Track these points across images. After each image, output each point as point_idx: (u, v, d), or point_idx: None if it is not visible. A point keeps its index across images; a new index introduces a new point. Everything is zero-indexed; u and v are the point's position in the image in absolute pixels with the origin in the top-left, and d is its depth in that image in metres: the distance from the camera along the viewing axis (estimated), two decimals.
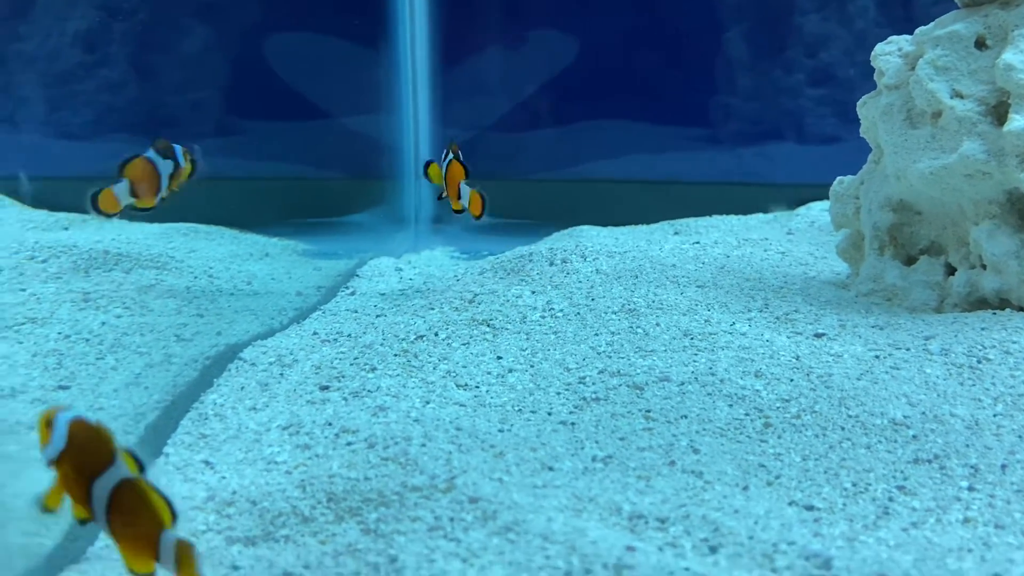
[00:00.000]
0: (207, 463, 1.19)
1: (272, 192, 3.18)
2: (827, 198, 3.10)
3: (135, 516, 0.85)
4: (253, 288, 1.99)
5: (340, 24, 3.16)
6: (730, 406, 1.33)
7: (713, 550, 0.96)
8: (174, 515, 0.85)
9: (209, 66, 3.17)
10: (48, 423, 0.86)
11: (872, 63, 1.77)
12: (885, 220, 1.71)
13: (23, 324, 1.59)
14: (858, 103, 1.82)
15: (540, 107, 3.40)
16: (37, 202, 2.79)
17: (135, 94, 3.16)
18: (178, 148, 1.70)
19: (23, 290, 1.73)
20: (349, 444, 1.22)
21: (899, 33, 3.60)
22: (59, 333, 1.54)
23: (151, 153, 1.68)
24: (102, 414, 1.08)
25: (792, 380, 1.40)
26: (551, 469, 1.16)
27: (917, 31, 1.72)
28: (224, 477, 1.15)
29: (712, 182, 3.24)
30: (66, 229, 2.21)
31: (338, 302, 2.00)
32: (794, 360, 1.47)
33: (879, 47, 1.77)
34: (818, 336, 1.56)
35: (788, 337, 1.56)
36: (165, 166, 1.67)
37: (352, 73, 3.19)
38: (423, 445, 1.21)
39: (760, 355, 1.48)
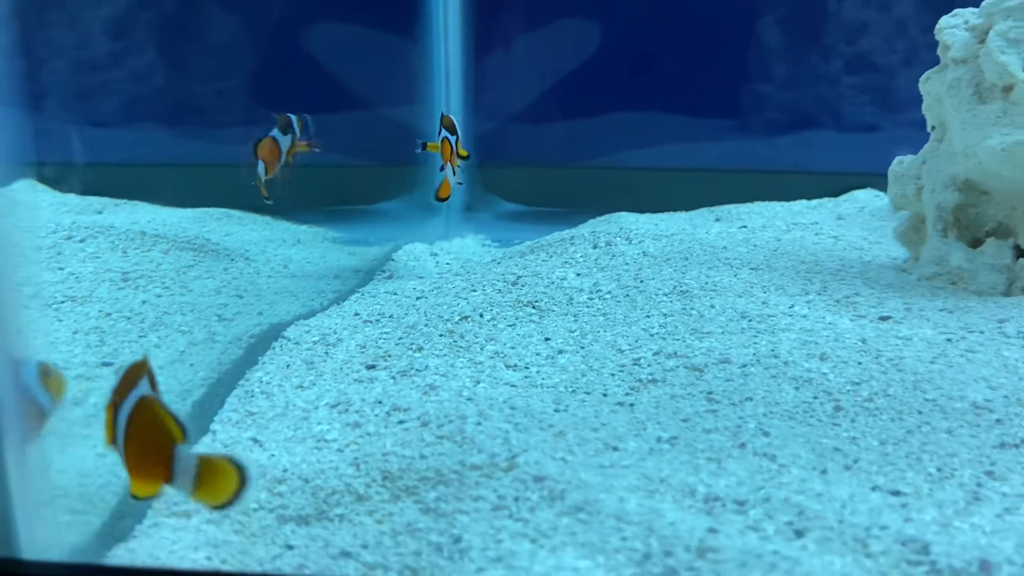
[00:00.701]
0: (255, 441, 1.15)
1: (301, 180, 3.14)
2: (869, 186, 3.06)
3: (144, 431, 0.82)
4: (290, 271, 1.95)
5: (371, 11, 3.12)
6: (796, 389, 1.27)
7: (799, 534, 0.90)
8: (183, 432, 0.83)
9: (239, 55, 3.13)
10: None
11: (936, 36, 1.70)
12: (950, 200, 1.63)
13: (63, 302, 1.55)
14: (921, 79, 1.75)
15: (572, 95, 3.34)
16: (67, 188, 2.77)
17: (163, 82, 3.14)
18: (293, 118, 1.84)
19: (61, 269, 1.69)
20: (401, 422, 1.17)
21: (937, 20, 3.51)
22: (100, 311, 1.50)
23: (275, 132, 1.80)
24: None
25: (860, 363, 1.33)
26: (615, 449, 1.10)
27: (985, 2, 1.65)
28: (274, 455, 1.11)
29: (748, 170, 3.17)
30: (99, 213, 2.18)
31: (376, 285, 1.96)
32: (860, 343, 1.40)
33: (943, 20, 1.70)
34: (883, 319, 1.49)
35: (851, 320, 1.50)
36: (284, 141, 1.79)
37: (383, 60, 3.14)
38: (479, 424, 1.16)
39: (824, 338, 1.42)
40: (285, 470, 1.06)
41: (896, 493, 1.00)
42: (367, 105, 3.14)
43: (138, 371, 0.85)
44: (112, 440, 0.84)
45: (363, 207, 3.09)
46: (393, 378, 1.33)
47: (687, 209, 2.87)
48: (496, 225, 3.08)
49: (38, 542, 0.85)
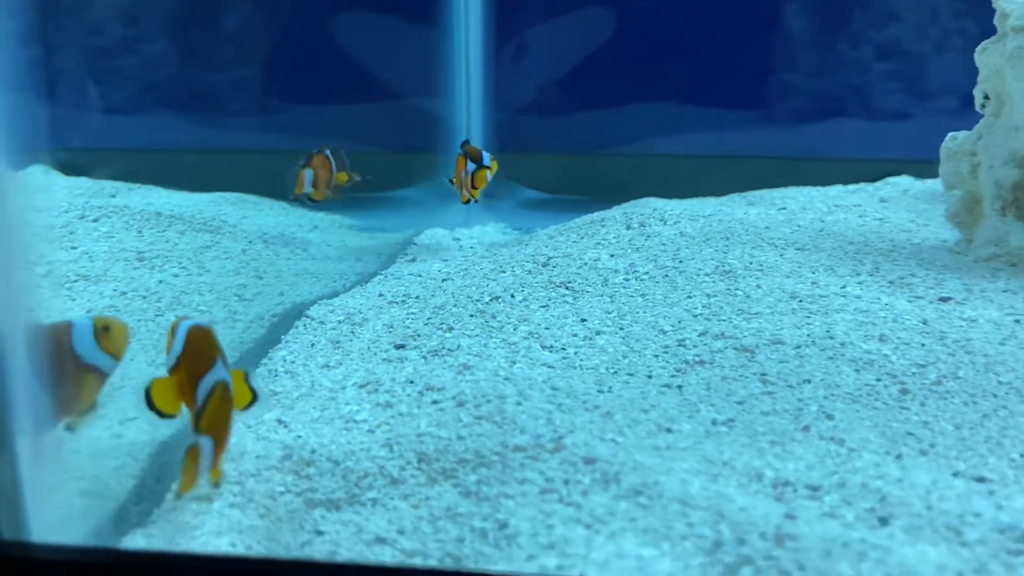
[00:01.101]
0: (280, 421, 1.07)
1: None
2: (905, 173, 2.97)
3: (219, 415, 0.86)
4: (310, 254, 1.87)
5: (393, 1, 3.04)
6: (857, 371, 1.18)
7: (884, 521, 0.82)
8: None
9: (256, 42, 3.06)
10: (172, 331, 0.89)
11: (993, 4, 1.61)
12: (1009, 177, 1.54)
13: (76, 281, 1.48)
14: (976, 50, 1.65)
15: (594, 81, 3.25)
16: (78, 172, 2.71)
17: (177, 70, 3.07)
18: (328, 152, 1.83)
19: (74, 248, 1.62)
20: (435, 402, 1.09)
21: (975, 8, 3.39)
22: (115, 290, 1.43)
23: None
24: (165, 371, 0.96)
25: (924, 345, 1.24)
26: (669, 431, 1.02)
27: None
28: (300, 436, 1.03)
29: (776, 157, 3.08)
30: (113, 196, 2.11)
31: (399, 267, 1.88)
32: (921, 324, 1.31)
33: None
34: (943, 300, 1.40)
35: (909, 301, 1.41)
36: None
37: (402, 46, 3.07)
38: (519, 404, 1.08)
39: (881, 319, 1.33)
40: (313, 451, 0.98)
41: (981, 479, 0.91)
42: (385, 91, 3.06)
43: (210, 349, 0.88)
44: (189, 407, 0.87)
45: (380, 194, 3.01)
46: (424, 358, 1.25)
47: (715, 195, 2.79)
48: (517, 213, 3.00)
49: (49, 525, 0.78)
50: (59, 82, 3.10)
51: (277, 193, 2.75)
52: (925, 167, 2.99)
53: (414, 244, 2.17)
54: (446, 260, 1.93)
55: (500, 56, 3.13)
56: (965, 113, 3.39)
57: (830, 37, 3.19)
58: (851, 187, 2.38)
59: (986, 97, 1.65)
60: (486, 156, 2.13)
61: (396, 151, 3.11)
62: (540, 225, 2.84)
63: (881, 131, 3.14)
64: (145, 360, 1.18)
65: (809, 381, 1.16)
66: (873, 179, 2.92)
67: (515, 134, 3.25)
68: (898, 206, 2.00)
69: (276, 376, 1.17)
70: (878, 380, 1.16)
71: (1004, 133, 1.57)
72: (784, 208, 2.00)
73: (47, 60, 3.12)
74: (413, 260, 1.97)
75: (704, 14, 3.16)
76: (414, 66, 3.08)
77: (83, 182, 2.11)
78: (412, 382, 1.15)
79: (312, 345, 1.28)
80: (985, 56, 1.61)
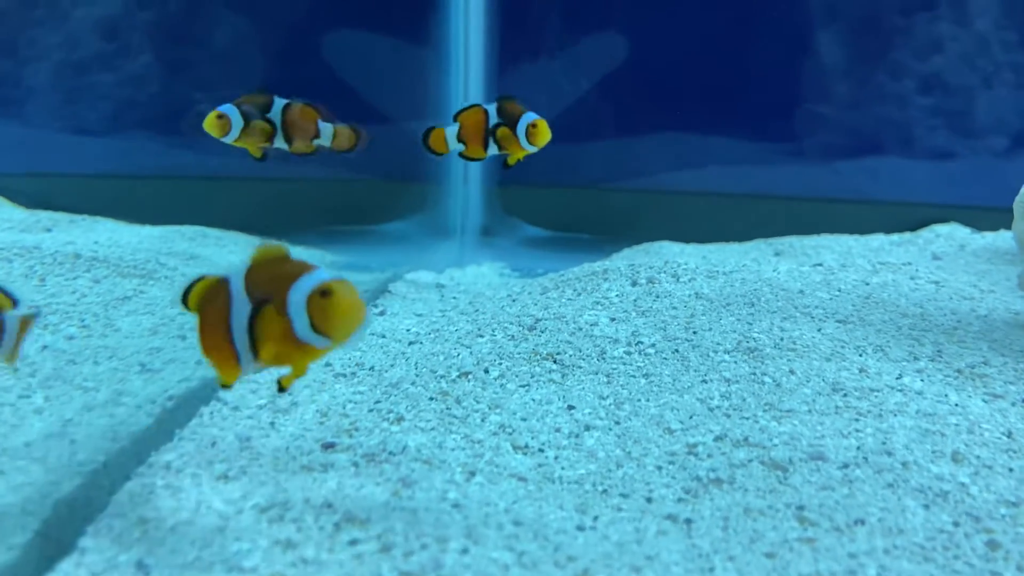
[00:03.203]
0: (140, 566, 0.79)
1: (301, 194, 2.81)
2: (952, 220, 2.66)
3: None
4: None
5: (383, 15, 2.79)
6: (926, 508, 0.88)
7: None
8: None
9: (238, 60, 2.82)
10: None
11: None
12: None
13: None
14: None
15: (607, 110, 2.97)
16: (38, 201, 2.47)
17: (157, 88, 2.84)
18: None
19: None
20: (353, 543, 0.81)
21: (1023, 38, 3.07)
22: None
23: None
24: None
25: (1012, 471, 0.94)
26: None
27: None
28: None
29: (806, 198, 2.78)
30: (48, 231, 1.85)
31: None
32: (1006, 438, 1.01)
33: None
34: None
35: (985, 401, 1.10)
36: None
37: (397, 69, 2.81)
38: (464, 552, 0.79)
39: (953, 427, 1.03)
40: None
41: None
42: (375, 115, 2.80)
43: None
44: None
45: (367, 227, 2.75)
46: (355, 464, 0.97)
47: (738, 239, 2.50)
48: (517, 252, 2.72)
49: None
50: (23, 102, 2.88)
51: (249, 225, 2.50)
52: (972, 215, 2.69)
53: (389, 292, 1.90)
54: (420, 315, 1.65)
55: (502, 80, 2.87)
56: (1017, 154, 3.06)
57: (867, 67, 2.91)
58: (895, 237, 2.08)
59: None
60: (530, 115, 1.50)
61: (385, 180, 2.85)
62: (541, 266, 2.55)
63: (922, 171, 2.84)
64: None
65: (863, 522, 0.86)
66: (914, 226, 2.62)
67: (517, 166, 2.98)
68: (955, 265, 1.70)
69: (151, 493, 0.88)
70: (956, 524, 0.86)
71: None
72: (819, 264, 1.70)
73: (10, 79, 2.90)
74: (382, 313, 1.69)
75: (727, 37, 2.88)
76: (407, 90, 2.82)
77: (17, 213, 1.85)
78: (330, 506, 0.87)
79: (213, 444, 0.99)
80: None
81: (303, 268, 0.79)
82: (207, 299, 0.81)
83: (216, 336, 0.80)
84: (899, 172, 2.85)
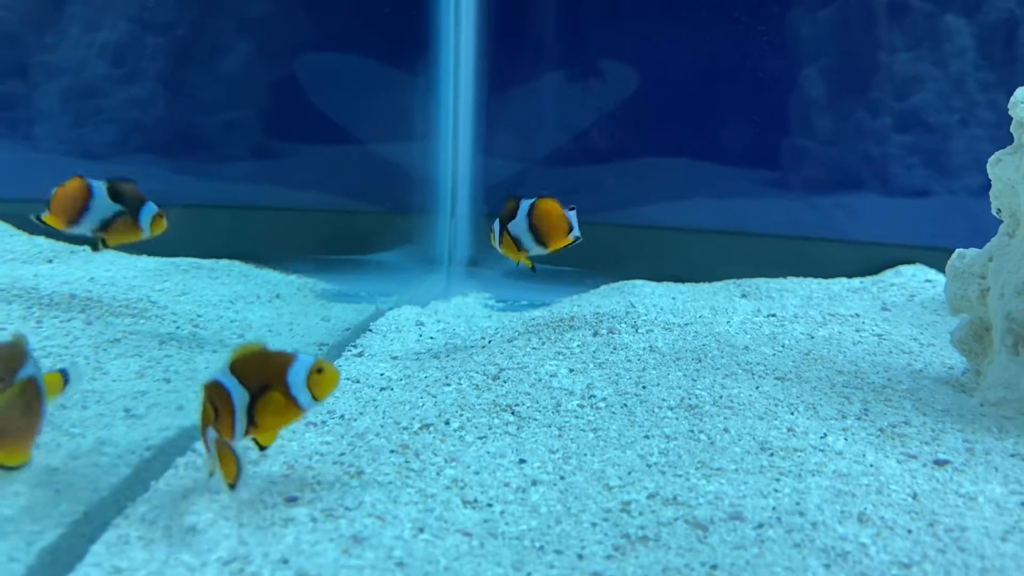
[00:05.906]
0: None
1: (293, 224, 2.91)
2: (918, 261, 2.74)
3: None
4: (244, 342, 1.69)
5: (373, 44, 2.89)
6: (827, 567, 0.98)
7: None
8: None
9: (219, 91, 2.92)
10: None
11: (1011, 111, 1.41)
12: (1023, 310, 1.33)
13: None
14: (989, 161, 1.46)
15: (594, 143, 3.08)
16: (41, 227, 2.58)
17: (161, 112, 2.94)
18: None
19: None
20: None
21: (1000, 77, 3.15)
22: None
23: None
24: None
25: (911, 533, 1.04)
26: None
27: None
28: None
29: (784, 235, 2.87)
30: (49, 262, 1.96)
31: (340, 365, 1.70)
32: (910, 500, 1.10)
33: (1020, 92, 1.41)
34: (939, 464, 1.19)
35: (898, 462, 1.20)
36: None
37: (385, 96, 2.91)
38: None
39: (864, 488, 1.13)
40: None
41: None
42: (366, 145, 2.91)
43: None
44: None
45: (358, 257, 2.85)
46: (314, 520, 1.06)
47: (714, 277, 2.59)
48: (502, 283, 2.82)
49: None
50: (30, 126, 3.00)
51: (245, 254, 2.60)
52: (943, 257, 2.78)
53: (370, 331, 2.00)
54: (396, 358, 1.75)
55: (491, 111, 2.97)
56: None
57: (846, 103, 3.00)
58: (856, 282, 2.17)
59: (999, 211, 1.44)
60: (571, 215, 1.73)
61: (377, 211, 2.95)
62: (526, 298, 2.66)
63: (899, 208, 2.93)
64: None
65: None
66: (885, 265, 2.70)
67: (505, 196, 3.08)
68: (901, 317, 1.79)
69: (127, 544, 0.98)
70: None
71: (1019, 257, 1.36)
72: (774, 315, 1.79)
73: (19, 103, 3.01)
74: (361, 355, 1.79)
75: (711, 73, 2.98)
76: (398, 119, 2.93)
77: (19, 242, 1.96)
78: (286, 562, 0.97)
79: (185, 495, 1.09)
80: (999, 169, 1.41)
81: (287, 357, 1.07)
82: (211, 399, 1.04)
83: (226, 430, 1.03)
84: (876, 208, 2.94)
